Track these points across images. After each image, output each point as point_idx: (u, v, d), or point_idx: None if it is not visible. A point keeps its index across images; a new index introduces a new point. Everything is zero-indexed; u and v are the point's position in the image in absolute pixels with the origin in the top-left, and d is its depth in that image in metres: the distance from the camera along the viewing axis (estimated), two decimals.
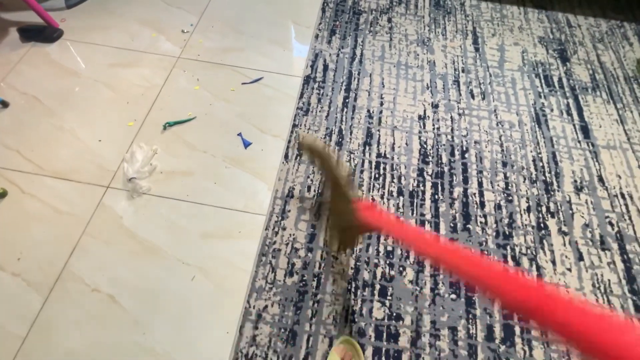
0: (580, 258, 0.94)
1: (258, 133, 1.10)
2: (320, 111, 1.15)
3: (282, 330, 0.81)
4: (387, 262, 0.91)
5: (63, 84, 1.16)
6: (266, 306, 0.84)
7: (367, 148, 1.09)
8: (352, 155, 1.07)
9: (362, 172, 1.04)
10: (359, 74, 1.25)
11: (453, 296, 0.87)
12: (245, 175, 1.02)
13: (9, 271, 0.85)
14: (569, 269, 0.92)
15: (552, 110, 1.20)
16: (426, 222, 0.97)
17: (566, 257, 0.94)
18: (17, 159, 1.01)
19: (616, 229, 0.98)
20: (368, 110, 1.16)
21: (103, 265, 0.87)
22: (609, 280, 0.91)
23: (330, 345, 0.80)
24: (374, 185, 1.02)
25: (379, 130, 1.12)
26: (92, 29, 1.30)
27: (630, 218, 1.00)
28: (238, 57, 1.26)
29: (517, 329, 0.84)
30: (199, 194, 0.98)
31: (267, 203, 0.97)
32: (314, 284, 0.87)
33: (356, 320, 0.83)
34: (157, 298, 0.83)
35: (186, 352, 0.78)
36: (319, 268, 0.89)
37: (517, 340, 0.82)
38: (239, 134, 1.09)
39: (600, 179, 1.07)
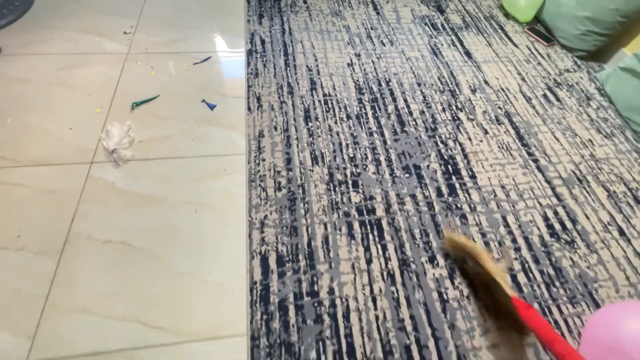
0: (486, 132, 1.26)
1: (219, 98, 1.26)
2: (267, 73, 1.36)
3: (284, 228, 0.97)
4: (352, 164, 1.12)
5: (14, 90, 1.19)
6: (266, 215, 0.99)
7: (314, 92, 1.31)
8: (303, 99, 1.29)
9: (315, 109, 1.26)
10: (291, 42, 1.49)
11: (407, 175, 1.12)
12: (218, 129, 1.17)
13: (12, 248, 0.87)
14: (481, 141, 1.24)
15: (442, 45, 1.57)
16: (374, 133, 1.21)
17: (477, 134, 1.25)
18: None
19: (504, 110, 1.34)
20: (307, 66, 1.40)
21: (108, 221, 0.94)
22: (507, 141, 1.24)
23: (326, 228, 0.98)
24: (327, 117, 1.24)
25: (319, 78, 1.36)
26: (30, 43, 1.35)
27: (510, 102, 1.37)
28: (184, 45, 1.42)
29: (457, 185, 1.11)
30: (181, 150, 1.10)
31: (244, 144, 1.13)
32: (300, 191, 1.05)
33: (340, 207, 1.02)
34: (168, 234, 0.93)
35: (208, 265, 0.89)
36: (301, 180, 1.07)
37: (459, 192, 1.09)
38: (203, 100, 1.23)
39: (486, 82, 1.44)
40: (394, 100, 1.33)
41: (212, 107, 1.22)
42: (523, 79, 1.47)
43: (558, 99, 1.41)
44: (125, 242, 0.91)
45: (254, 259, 0.91)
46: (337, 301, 0.86)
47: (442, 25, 1.68)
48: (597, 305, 0.91)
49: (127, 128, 1.12)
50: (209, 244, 0.93)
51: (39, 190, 0.98)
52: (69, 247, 0.89)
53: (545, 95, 1.41)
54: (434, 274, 0.93)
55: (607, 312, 0.73)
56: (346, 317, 0.84)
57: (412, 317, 0.86)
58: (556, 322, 0.88)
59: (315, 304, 0.86)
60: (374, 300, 0.87)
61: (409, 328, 0.84)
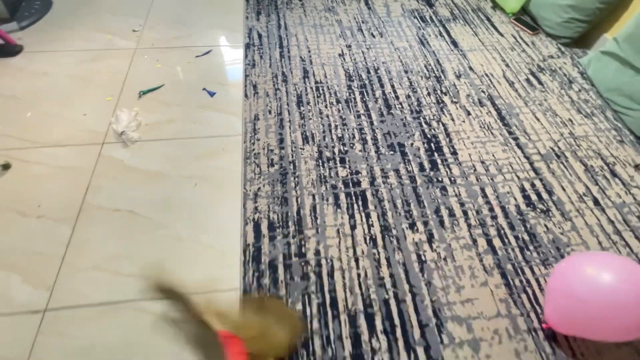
0: (469, 114, 1.33)
1: (219, 86, 1.36)
2: (264, 64, 1.46)
3: (276, 198, 1.06)
4: (340, 143, 1.21)
5: (35, 83, 1.32)
6: (259, 188, 1.08)
7: (306, 80, 1.41)
8: (296, 86, 1.38)
9: (307, 95, 1.35)
10: (286, 36, 1.59)
11: (391, 152, 1.19)
12: (217, 114, 1.27)
13: (34, 216, 0.98)
14: (464, 121, 1.31)
15: (430, 35, 1.66)
16: (361, 115, 1.30)
17: (459, 115, 1.33)
18: (12, 140, 1.14)
19: (487, 94, 1.41)
20: (300, 57, 1.50)
21: (117, 194, 1.04)
22: (489, 122, 1.31)
23: (315, 199, 1.06)
24: (317, 101, 1.33)
25: (312, 68, 1.46)
26: (49, 41, 1.48)
27: (494, 86, 1.44)
28: (187, 40, 1.53)
29: (439, 160, 1.18)
30: (184, 132, 1.20)
31: (240, 127, 1.23)
32: (291, 167, 1.13)
33: (328, 180, 1.11)
34: (171, 204, 1.03)
35: (206, 231, 0.98)
36: (292, 157, 1.16)
37: (441, 167, 1.17)
38: (204, 89, 1.34)
39: (471, 69, 1.51)
40: (382, 86, 1.41)
41: (212, 94, 1.33)
42: (507, 65, 1.54)
43: (540, 83, 1.47)
44: (132, 211, 1.01)
45: (248, 225, 1.00)
46: (323, 261, 0.94)
47: (431, 17, 1.76)
48: None
49: (135, 113, 1.23)
50: (207, 213, 1.02)
51: (57, 168, 1.09)
52: (83, 215, 1.00)
53: (528, 80, 1.48)
54: (413, 239, 1.00)
55: (565, 263, 0.79)
56: (330, 275, 0.92)
57: (391, 276, 0.93)
58: (528, 281, 0.94)
59: (302, 264, 0.94)
60: (357, 260, 0.95)
61: (388, 285, 0.91)
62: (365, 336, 0.83)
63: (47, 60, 1.41)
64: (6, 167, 1.07)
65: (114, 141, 1.16)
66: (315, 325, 0.84)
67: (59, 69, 1.38)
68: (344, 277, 0.92)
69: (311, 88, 1.38)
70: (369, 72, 1.46)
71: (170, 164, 1.12)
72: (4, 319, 0.82)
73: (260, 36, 1.59)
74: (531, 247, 1.00)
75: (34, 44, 1.47)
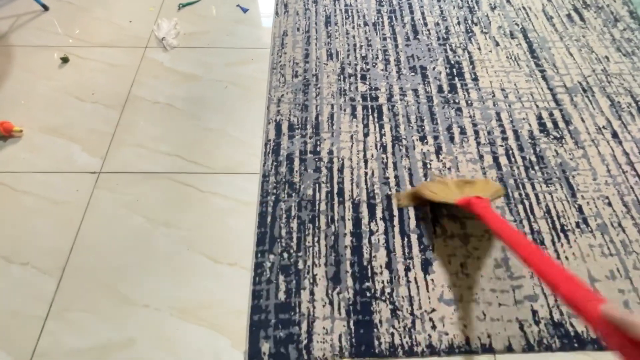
0: (497, 44, 1.31)
1: (252, 3, 1.42)
2: None
3: (297, 105, 1.14)
4: (363, 62, 1.25)
5: None
6: (282, 94, 1.16)
7: (337, 2, 1.43)
8: (326, 8, 1.41)
9: (335, 16, 1.38)
10: None
11: (412, 73, 1.22)
12: (248, 28, 1.34)
13: (89, 101, 1.14)
14: (490, 51, 1.29)
15: None
16: (387, 38, 1.32)
17: (487, 45, 1.31)
18: (69, 39, 1.29)
19: (520, 26, 1.37)
20: None
21: (157, 89, 1.17)
22: (517, 53, 1.29)
23: (333, 108, 1.13)
24: (345, 22, 1.36)
25: None
26: None
27: (530, 20, 1.39)
28: None
29: (459, 85, 1.20)
30: (217, 42, 1.29)
31: (269, 41, 1.30)
32: (314, 79, 1.20)
33: (347, 94, 1.17)
34: (203, 101, 1.14)
35: (233, 125, 1.10)
36: (315, 71, 1.22)
37: (460, 90, 1.19)
38: (238, 5, 1.40)
39: (508, 1, 1.45)
40: (412, 12, 1.40)
41: (245, 10, 1.39)
42: (549, 0, 1.46)
43: (582, 19, 1.39)
44: (169, 104, 1.14)
45: (270, 124, 1.10)
46: (335, 159, 1.04)
47: None
48: (571, 188, 1.00)
49: (175, 23, 1.33)
50: (235, 111, 1.13)
51: (107, 64, 1.22)
52: (128, 104, 1.13)
53: (569, 15, 1.41)
54: (422, 149, 1.06)
55: None
56: (340, 170, 1.02)
57: (396, 177, 1.01)
58: (527, 195, 0.99)
59: (316, 159, 1.04)
60: (366, 162, 1.03)
61: (392, 184, 1.00)
62: (365, 220, 0.94)
63: None
64: (65, 60, 1.22)
65: (155, 46, 1.27)
66: (323, 207, 0.95)
67: None
68: (352, 174, 1.01)
69: (340, 10, 1.40)
70: None
71: (204, 69, 1.22)
72: (69, 175, 0.99)
73: None
74: (536, 167, 1.04)
75: None
